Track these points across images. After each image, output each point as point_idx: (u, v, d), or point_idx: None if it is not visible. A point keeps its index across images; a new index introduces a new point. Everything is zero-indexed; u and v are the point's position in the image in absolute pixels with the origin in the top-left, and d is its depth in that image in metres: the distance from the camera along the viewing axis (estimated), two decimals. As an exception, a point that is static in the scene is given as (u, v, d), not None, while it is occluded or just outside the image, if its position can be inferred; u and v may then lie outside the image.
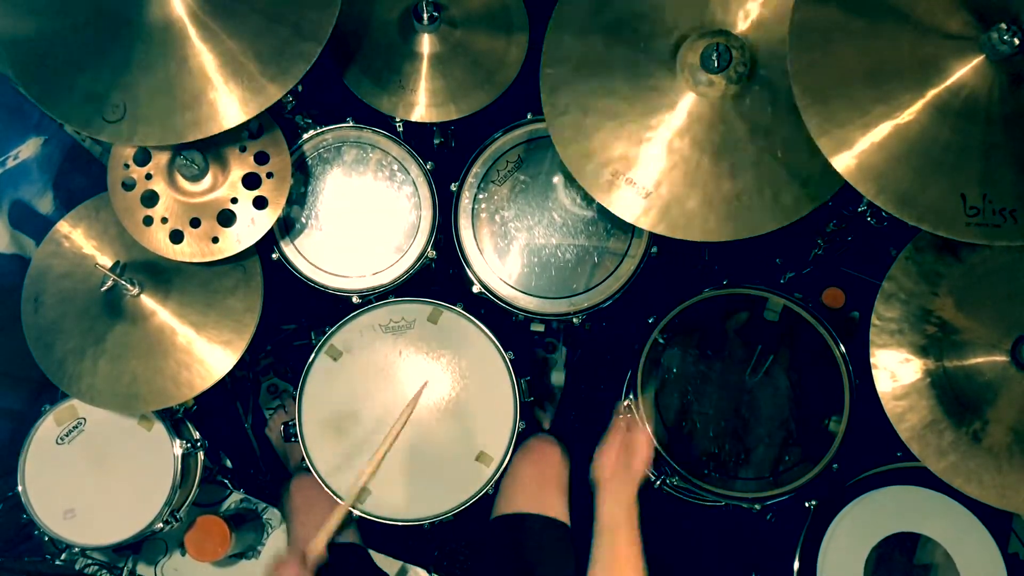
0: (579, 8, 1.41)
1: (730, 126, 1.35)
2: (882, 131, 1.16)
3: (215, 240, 1.48)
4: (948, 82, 1.14)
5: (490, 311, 1.67)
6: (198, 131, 1.31)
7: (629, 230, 1.64)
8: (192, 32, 1.31)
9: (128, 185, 1.48)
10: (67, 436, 1.62)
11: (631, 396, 1.64)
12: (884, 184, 1.15)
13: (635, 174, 1.37)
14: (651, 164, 1.36)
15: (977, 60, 1.13)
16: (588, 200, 1.65)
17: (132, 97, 1.31)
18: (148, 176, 1.49)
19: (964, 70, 1.13)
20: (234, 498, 1.94)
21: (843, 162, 1.16)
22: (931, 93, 1.15)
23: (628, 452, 1.32)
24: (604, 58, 1.38)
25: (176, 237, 1.48)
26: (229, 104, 1.32)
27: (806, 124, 1.17)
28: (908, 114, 1.15)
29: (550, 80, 1.40)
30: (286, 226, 1.64)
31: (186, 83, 1.31)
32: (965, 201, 1.14)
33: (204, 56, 1.32)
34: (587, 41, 1.39)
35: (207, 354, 1.50)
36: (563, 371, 2.22)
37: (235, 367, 1.51)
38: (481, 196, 1.66)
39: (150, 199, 1.49)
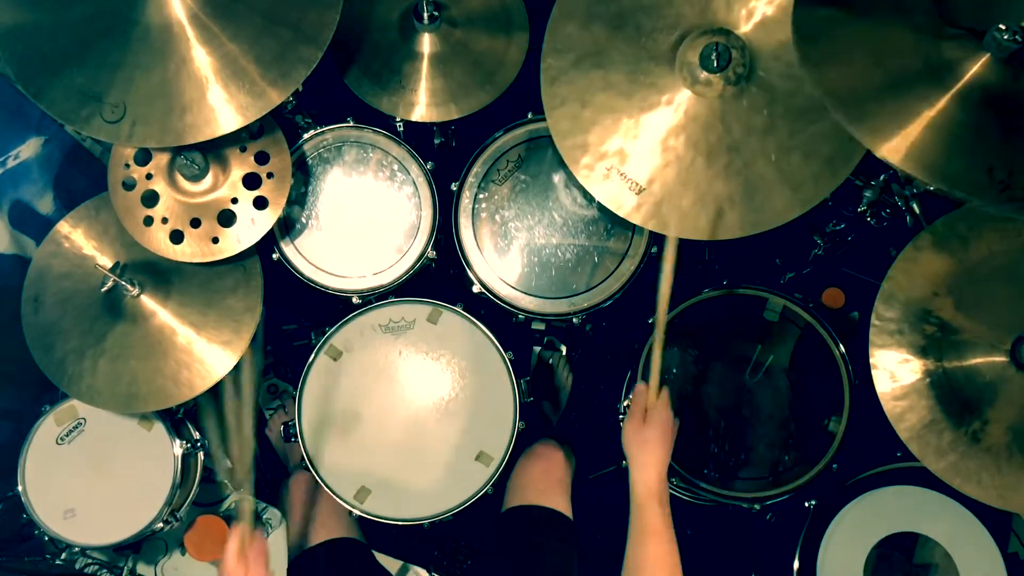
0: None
1: (726, 127, 1.35)
2: (911, 124, 1.14)
3: (215, 240, 1.48)
4: (964, 79, 1.14)
5: (490, 311, 1.67)
6: (198, 134, 1.31)
7: (629, 230, 1.65)
8: (191, 34, 1.31)
9: (128, 185, 1.49)
10: (67, 436, 1.62)
11: (630, 396, 1.64)
12: (911, 157, 1.14)
13: (629, 169, 1.37)
14: (645, 160, 1.37)
15: (983, 59, 1.13)
16: (588, 200, 1.65)
17: (132, 98, 1.31)
18: (148, 176, 1.49)
19: (974, 69, 1.13)
20: (234, 498, 1.94)
21: (888, 151, 1.15)
22: (951, 89, 1.14)
23: (651, 421, 1.32)
24: (605, 51, 1.39)
25: (176, 237, 1.48)
26: (229, 108, 1.32)
27: (848, 129, 1.16)
28: (932, 109, 1.14)
29: (550, 71, 1.40)
30: (286, 226, 1.64)
31: (186, 85, 1.31)
32: (991, 175, 1.13)
33: (204, 58, 1.32)
34: (589, 33, 1.39)
35: (207, 354, 1.51)
36: (567, 371, 2.22)
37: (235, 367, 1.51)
38: (481, 196, 1.67)
39: (150, 199, 1.49)
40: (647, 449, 1.30)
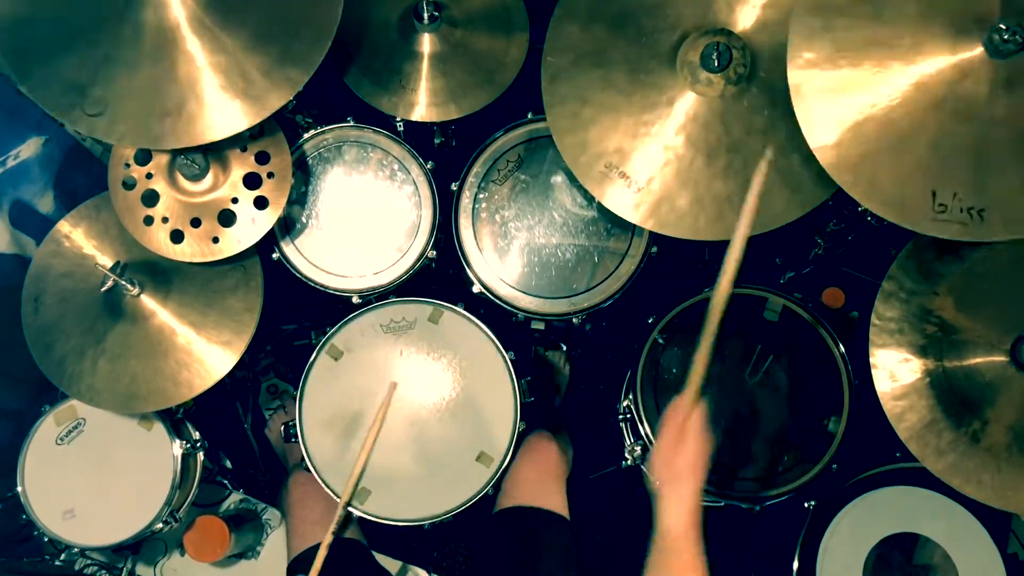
0: (584, -1, 1.41)
1: (726, 127, 1.35)
2: (868, 121, 1.15)
3: (215, 240, 1.48)
4: (943, 77, 1.14)
5: (490, 311, 1.67)
6: (175, 140, 1.31)
7: (629, 230, 1.65)
8: (186, 37, 1.31)
9: (129, 184, 1.48)
10: (67, 436, 1.62)
11: (630, 396, 1.64)
12: (859, 173, 1.15)
13: (629, 168, 1.37)
14: (645, 159, 1.37)
15: (976, 54, 1.12)
16: (588, 200, 1.65)
17: (115, 94, 1.30)
18: (149, 176, 1.49)
19: (962, 65, 1.13)
20: (234, 498, 1.94)
21: (823, 150, 1.16)
22: (924, 87, 1.14)
23: (687, 448, 1.13)
24: (606, 50, 1.39)
25: (176, 237, 1.48)
26: (212, 115, 1.31)
27: (794, 106, 1.16)
28: (897, 106, 1.15)
29: (551, 69, 1.40)
30: (286, 226, 1.64)
31: (171, 89, 1.30)
32: (935, 197, 1.14)
33: (195, 63, 1.31)
34: (590, 32, 1.40)
35: (207, 354, 1.50)
36: (564, 360, 2.22)
37: (235, 367, 1.51)
38: (481, 196, 1.67)
39: (151, 199, 1.49)
40: (682, 483, 1.11)
